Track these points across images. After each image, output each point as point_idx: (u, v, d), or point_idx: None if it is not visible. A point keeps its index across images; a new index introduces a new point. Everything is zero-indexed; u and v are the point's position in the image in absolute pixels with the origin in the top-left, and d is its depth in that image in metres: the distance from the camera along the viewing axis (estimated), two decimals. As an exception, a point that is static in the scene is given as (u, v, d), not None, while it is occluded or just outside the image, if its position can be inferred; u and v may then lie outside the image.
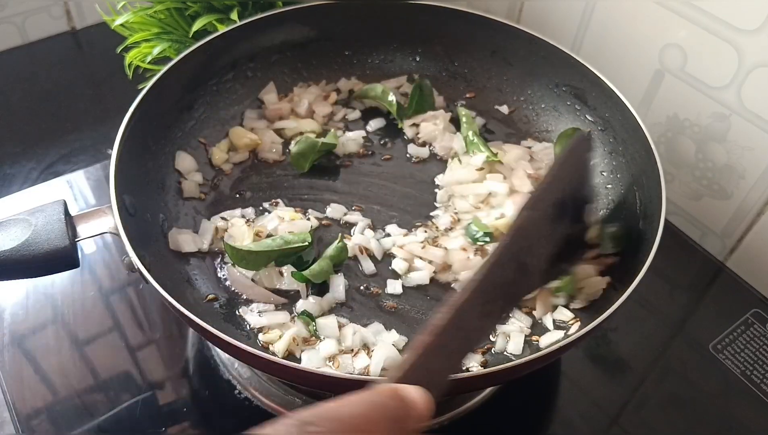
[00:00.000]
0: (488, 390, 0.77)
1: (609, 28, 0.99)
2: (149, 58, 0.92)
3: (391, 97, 0.93)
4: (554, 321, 0.72)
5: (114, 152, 0.71)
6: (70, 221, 0.66)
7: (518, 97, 0.97)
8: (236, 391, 0.77)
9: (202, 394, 0.78)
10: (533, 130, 0.94)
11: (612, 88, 0.84)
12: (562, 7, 1.04)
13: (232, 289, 0.75)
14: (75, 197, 0.99)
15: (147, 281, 0.62)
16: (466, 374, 0.59)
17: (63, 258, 0.64)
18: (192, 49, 0.84)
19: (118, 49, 0.95)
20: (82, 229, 0.67)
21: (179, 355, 0.82)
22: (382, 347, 0.68)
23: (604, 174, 0.86)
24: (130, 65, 0.94)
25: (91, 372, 0.79)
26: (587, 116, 0.89)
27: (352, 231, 0.81)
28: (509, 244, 0.55)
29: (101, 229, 0.67)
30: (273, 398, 0.76)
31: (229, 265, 0.76)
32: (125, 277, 0.88)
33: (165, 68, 0.82)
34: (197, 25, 0.88)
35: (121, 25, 0.92)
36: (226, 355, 0.80)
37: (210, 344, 0.82)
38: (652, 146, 0.77)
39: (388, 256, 0.79)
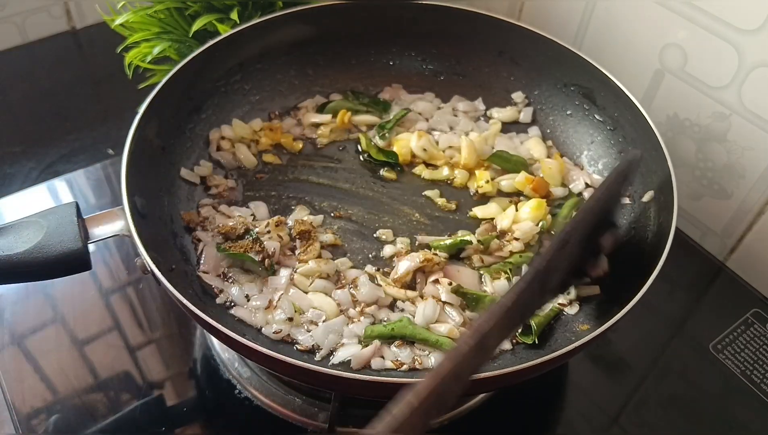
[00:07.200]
0: (488, 390, 0.77)
1: (609, 27, 0.99)
2: (149, 58, 0.92)
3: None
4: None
5: (125, 154, 0.71)
6: (82, 223, 0.66)
7: (526, 97, 0.97)
8: (236, 391, 0.77)
9: (203, 393, 0.78)
10: (542, 131, 0.94)
11: (620, 87, 0.84)
12: (562, 7, 1.04)
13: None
14: (75, 197, 0.99)
15: (160, 283, 0.62)
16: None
17: (75, 260, 0.64)
18: (200, 51, 0.84)
19: (118, 49, 0.95)
20: (95, 232, 0.67)
21: (179, 355, 0.82)
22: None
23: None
24: (130, 65, 0.94)
25: (91, 372, 0.79)
26: (596, 116, 0.89)
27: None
28: (540, 270, 0.54)
29: (113, 231, 0.67)
30: (273, 398, 0.76)
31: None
32: (125, 277, 0.88)
33: (174, 69, 0.82)
34: (197, 25, 0.88)
35: (121, 24, 0.92)
36: (227, 355, 0.80)
37: (209, 344, 0.82)
38: (662, 145, 0.77)
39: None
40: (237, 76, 0.92)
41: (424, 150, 0.89)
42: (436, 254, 0.76)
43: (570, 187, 0.87)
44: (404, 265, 0.75)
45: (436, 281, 0.74)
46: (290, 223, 0.81)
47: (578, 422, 0.78)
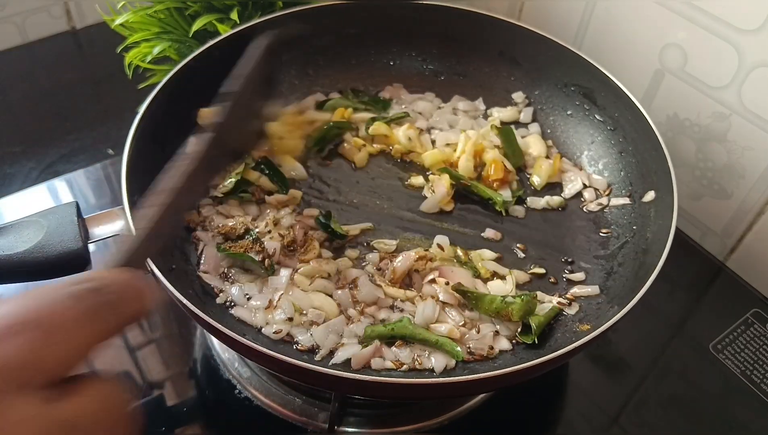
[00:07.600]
0: (488, 390, 0.77)
1: (609, 27, 0.99)
2: (149, 58, 0.92)
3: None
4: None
5: (125, 154, 0.71)
6: (82, 223, 0.67)
7: (527, 98, 0.97)
8: (236, 391, 0.77)
9: (202, 393, 0.78)
10: (542, 130, 0.94)
11: (621, 87, 0.84)
12: (562, 7, 1.04)
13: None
14: (75, 197, 0.99)
15: (160, 283, 0.62)
16: (470, 377, 0.59)
17: (76, 260, 0.64)
18: (201, 50, 0.84)
19: (118, 49, 0.95)
20: (95, 231, 0.67)
21: (179, 355, 0.82)
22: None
23: (614, 173, 0.87)
24: (130, 65, 0.94)
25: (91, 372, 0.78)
26: (596, 116, 0.90)
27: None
28: (217, 129, 0.64)
29: (113, 231, 0.67)
30: (273, 398, 0.76)
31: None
32: (125, 276, 0.88)
33: (176, 68, 0.81)
34: (197, 25, 0.88)
35: (121, 24, 0.92)
36: (227, 355, 0.80)
37: (209, 344, 0.82)
38: (662, 145, 0.77)
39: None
40: (237, 76, 0.92)
41: (409, 139, 0.90)
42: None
43: (567, 187, 0.87)
44: (398, 265, 0.75)
45: (433, 281, 0.74)
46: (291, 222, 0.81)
47: (578, 422, 0.78)
